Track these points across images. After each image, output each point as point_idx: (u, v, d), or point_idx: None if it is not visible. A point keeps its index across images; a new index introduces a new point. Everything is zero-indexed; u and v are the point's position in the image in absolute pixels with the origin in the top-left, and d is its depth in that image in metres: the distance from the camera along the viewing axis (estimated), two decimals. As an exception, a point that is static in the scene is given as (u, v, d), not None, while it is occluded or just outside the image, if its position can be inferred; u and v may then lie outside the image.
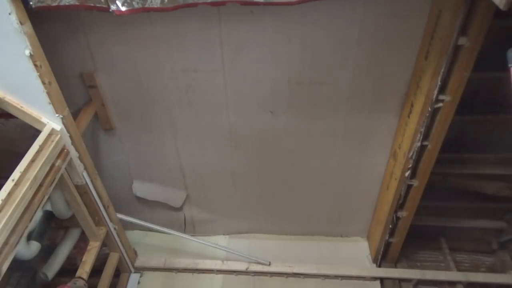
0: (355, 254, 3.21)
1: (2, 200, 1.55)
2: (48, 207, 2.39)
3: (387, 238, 2.87)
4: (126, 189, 3.05)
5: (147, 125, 2.59)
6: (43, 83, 1.77)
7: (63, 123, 1.94)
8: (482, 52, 1.86)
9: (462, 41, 1.80)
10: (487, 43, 1.83)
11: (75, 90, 2.36)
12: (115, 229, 2.68)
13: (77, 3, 1.72)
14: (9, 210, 1.55)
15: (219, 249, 3.15)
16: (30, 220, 1.71)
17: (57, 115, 1.89)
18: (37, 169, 1.72)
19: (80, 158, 2.14)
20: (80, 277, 2.30)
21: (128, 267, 3.04)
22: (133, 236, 3.30)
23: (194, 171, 2.90)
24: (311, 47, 2.12)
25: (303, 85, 2.29)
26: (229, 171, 2.87)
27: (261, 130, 2.57)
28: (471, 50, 1.83)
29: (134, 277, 3.08)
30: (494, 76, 2.24)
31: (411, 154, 2.32)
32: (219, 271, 3.08)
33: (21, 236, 1.65)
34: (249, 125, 2.54)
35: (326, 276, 3.02)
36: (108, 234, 2.61)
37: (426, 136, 2.24)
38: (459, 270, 2.98)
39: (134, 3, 1.72)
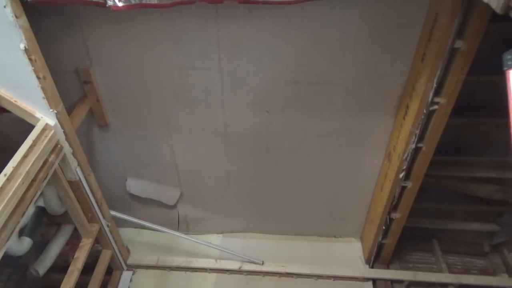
0: (348, 255, 3.22)
1: (-6, 194, 1.54)
2: (41, 203, 2.37)
3: (380, 239, 2.89)
4: (120, 186, 3.03)
5: (142, 122, 2.58)
6: (38, 77, 1.76)
7: (57, 118, 1.93)
8: (478, 55, 1.87)
9: (459, 44, 1.81)
10: (483, 46, 1.84)
11: (70, 86, 2.34)
12: (108, 226, 2.67)
13: (74, -2, 1.71)
14: (0, 205, 1.53)
15: (212, 247, 3.15)
16: (22, 215, 1.69)
17: (51, 110, 1.88)
18: (30, 164, 1.71)
19: (73, 154, 2.12)
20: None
21: (121, 264, 3.03)
22: (126, 233, 3.28)
23: (188, 169, 2.89)
24: (308, 47, 2.12)
25: (299, 85, 2.29)
26: (223, 169, 2.87)
27: (257, 129, 2.56)
28: (467, 53, 1.84)
29: (126, 274, 3.07)
30: (490, 79, 2.25)
31: (405, 156, 2.33)
32: (212, 270, 3.08)
33: (12, 232, 1.64)
34: (244, 123, 2.53)
35: (318, 276, 3.03)
36: (101, 231, 2.60)
37: (420, 138, 2.25)
38: (451, 272, 3.00)
39: (131, -1, 1.71)
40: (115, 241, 2.83)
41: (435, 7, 1.85)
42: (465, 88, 2.02)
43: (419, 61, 2.05)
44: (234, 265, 3.08)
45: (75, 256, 2.42)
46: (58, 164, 2.00)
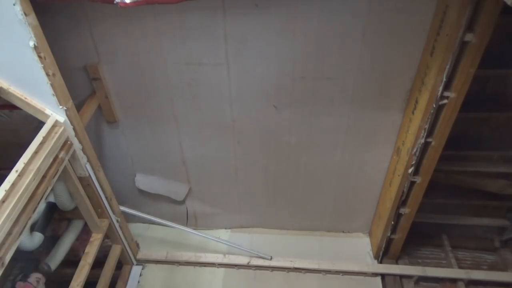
0: (357, 250, 3.22)
1: (5, 190, 1.56)
2: (52, 199, 2.40)
3: (389, 234, 2.87)
4: (129, 182, 3.06)
5: (150, 118, 2.59)
6: (47, 74, 1.78)
7: (67, 115, 1.95)
8: (488, 49, 1.84)
9: (469, 37, 1.79)
10: (493, 39, 1.81)
11: (79, 82, 2.36)
12: (117, 221, 2.70)
13: (82, -5, 1.72)
14: (12, 200, 1.55)
15: (221, 243, 3.17)
16: (34, 211, 1.72)
17: (60, 107, 1.90)
18: (41, 161, 1.73)
19: (83, 150, 2.14)
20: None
21: (130, 259, 3.06)
22: (136, 228, 3.31)
23: (196, 164, 2.90)
24: (316, 41, 2.10)
25: (307, 79, 2.28)
26: (231, 165, 2.88)
27: (264, 125, 2.56)
28: (477, 46, 1.81)
29: (136, 269, 3.11)
30: (500, 73, 2.22)
31: (414, 150, 2.31)
32: (221, 265, 3.10)
33: (24, 227, 1.66)
34: (252, 119, 2.53)
35: (327, 272, 3.03)
36: (110, 226, 2.62)
37: (430, 133, 2.23)
38: (460, 267, 2.97)
39: (138, -5, 1.71)
40: (124, 236, 2.86)
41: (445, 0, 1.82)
42: (476, 82, 1.99)
43: (428, 55, 2.02)
44: (242, 260, 3.09)
45: (85, 251, 2.45)
46: (68, 160, 2.02)
